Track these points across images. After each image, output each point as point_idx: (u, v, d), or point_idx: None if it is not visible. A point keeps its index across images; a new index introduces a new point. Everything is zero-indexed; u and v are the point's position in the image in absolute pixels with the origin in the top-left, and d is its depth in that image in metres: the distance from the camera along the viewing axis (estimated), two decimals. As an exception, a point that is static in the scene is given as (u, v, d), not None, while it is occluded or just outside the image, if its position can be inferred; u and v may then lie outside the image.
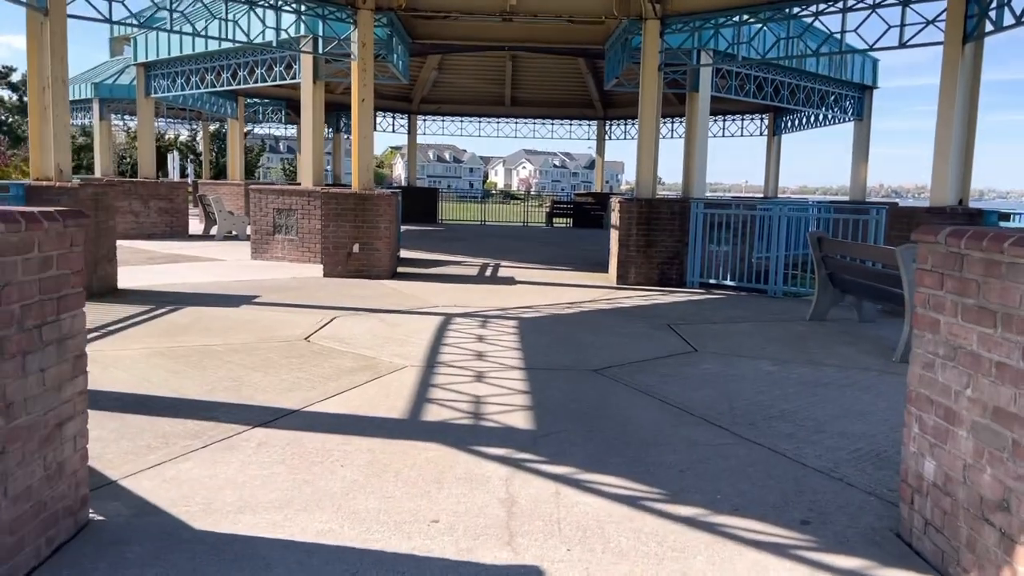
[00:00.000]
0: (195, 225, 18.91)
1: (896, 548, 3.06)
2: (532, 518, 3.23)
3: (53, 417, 2.82)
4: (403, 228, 19.10)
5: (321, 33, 12.18)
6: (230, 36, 11.81)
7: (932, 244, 2.95)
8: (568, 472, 3.75)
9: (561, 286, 10.88)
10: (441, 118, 27.84)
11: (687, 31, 11.45)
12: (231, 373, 5.43)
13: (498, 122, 27.69)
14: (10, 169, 27.13)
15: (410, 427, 4.42)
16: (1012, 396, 2.47)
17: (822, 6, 9.82)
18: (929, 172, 8.76)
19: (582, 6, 12.32)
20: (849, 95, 17.58)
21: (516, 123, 27.76)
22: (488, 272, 12.33)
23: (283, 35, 12.64)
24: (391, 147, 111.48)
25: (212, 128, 33.35)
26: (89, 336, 6.48)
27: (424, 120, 27.93)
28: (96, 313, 7.52)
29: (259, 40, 12.90)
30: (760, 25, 11.43)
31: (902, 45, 9.13)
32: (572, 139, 30.17)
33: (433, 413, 4.67)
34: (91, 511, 3.13)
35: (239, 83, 15.74)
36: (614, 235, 11.47)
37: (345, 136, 29.14)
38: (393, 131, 27.46)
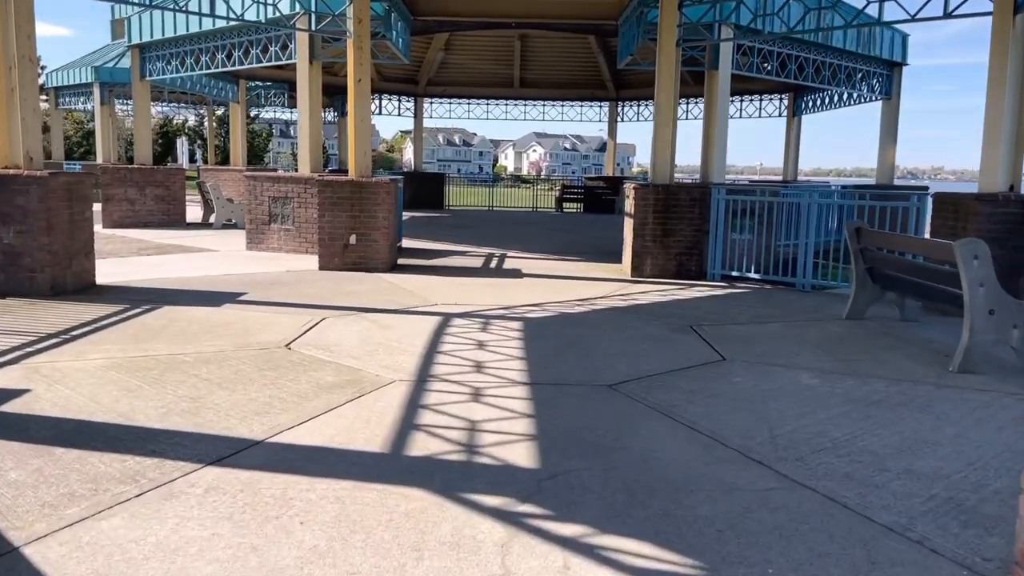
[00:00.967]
0: (195, 212, 18.24)
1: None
2: (533, 605, 2.52)
3: None
4: (408, 215, 18.41)
5: (314, 8, 11.41)
6: (219, 12, 11.07)
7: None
8: (580, 534, 3.03)
9: (571, 279, 10.14)
10: (448, 101, 27.02)
11: (707, 2, 10.61)
12: (194, 391, 4.74)
13: (507, 104, 26.84)
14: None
15: (391, 465, 3.71)
16: None
17: (857, -27, 8.97)
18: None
19: (594, -23, 11.50)
20: (877, 72, 16.63)
21: (526, 105, 26.91)
22: (493, 263, 11.59)
23: (274, 12, 11.86)
24: (401, 131, 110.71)
25: (219, 113, 32.59)
26: (46, 343, 5.82)
27: (431, 103, 27.12)
28: (63, 314, 6.86)
29: (251, 17, 12.16)
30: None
31: (947, 15, 8.26)
32: (583, 121, 29.26)
33: (419, 445, 3.96)
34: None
35: (234, 64, 15.01)
36: (628, 223, 10.70)
37: (351, 120, 28.34)
38: (399, 114, 26.68)
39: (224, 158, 34.45)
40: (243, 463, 3.66)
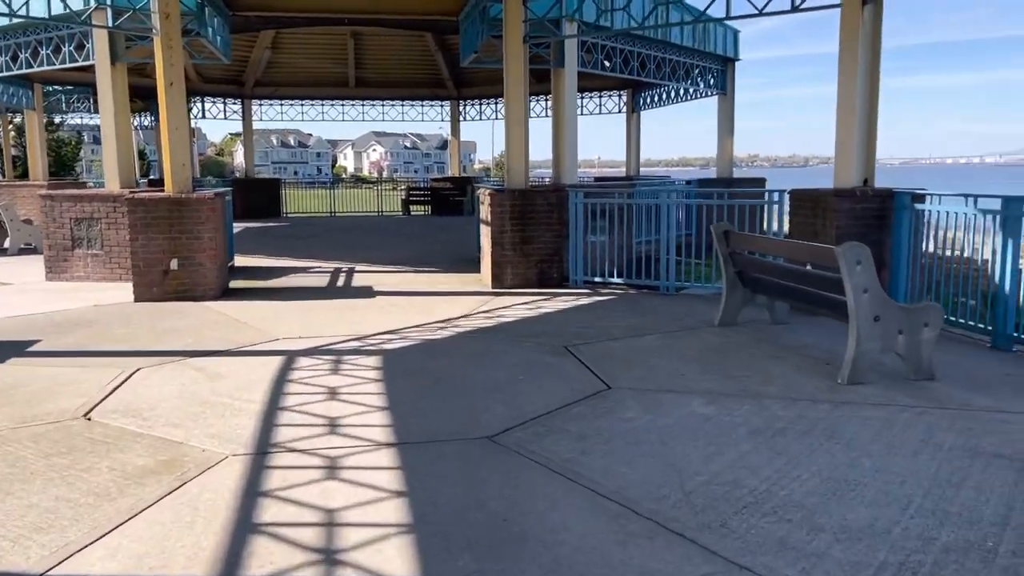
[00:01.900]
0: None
1: None
2: None
3: None
4: (240, 226, 16.87)
5: (110, 3, 9.89)
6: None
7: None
8: None
9: (429, 295, 9.36)
10: (280, 102, 25.36)
11: (553, -3, 10.13)
12: (-53, 502, 3.56)
13: (343, 105, 25.55)
14: None
15: (223, 597, 2.80)
16: None
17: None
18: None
19: (432, -30, 10.74)
20: (712, 68, 16.97)
21: (364, 105, 25.73)
22: (340, 281, 10.58)
23: (64, 7, 10.20)
24: (231, 133, 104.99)
25: (17, 120, 28.96)
26: None
27: (261, 105, 25.37)
28: None
29: (37, 13, 10.45)
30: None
31: (794, 9, 8.20)
32: (425, 120, 28.47)
33: (262, 557, 3.06)
34: None
35: (21, 67, 13.05)
36: (485, 231, 10.05)
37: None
38: (226, 118, 24.69)
39: (23, 172, 30.73)
40: (7, 622, 2.63)
